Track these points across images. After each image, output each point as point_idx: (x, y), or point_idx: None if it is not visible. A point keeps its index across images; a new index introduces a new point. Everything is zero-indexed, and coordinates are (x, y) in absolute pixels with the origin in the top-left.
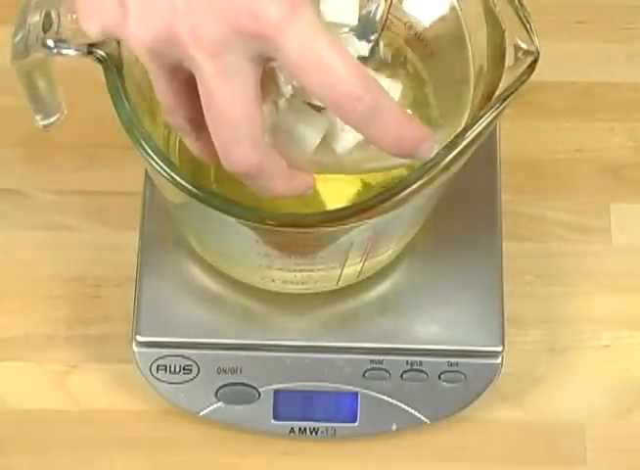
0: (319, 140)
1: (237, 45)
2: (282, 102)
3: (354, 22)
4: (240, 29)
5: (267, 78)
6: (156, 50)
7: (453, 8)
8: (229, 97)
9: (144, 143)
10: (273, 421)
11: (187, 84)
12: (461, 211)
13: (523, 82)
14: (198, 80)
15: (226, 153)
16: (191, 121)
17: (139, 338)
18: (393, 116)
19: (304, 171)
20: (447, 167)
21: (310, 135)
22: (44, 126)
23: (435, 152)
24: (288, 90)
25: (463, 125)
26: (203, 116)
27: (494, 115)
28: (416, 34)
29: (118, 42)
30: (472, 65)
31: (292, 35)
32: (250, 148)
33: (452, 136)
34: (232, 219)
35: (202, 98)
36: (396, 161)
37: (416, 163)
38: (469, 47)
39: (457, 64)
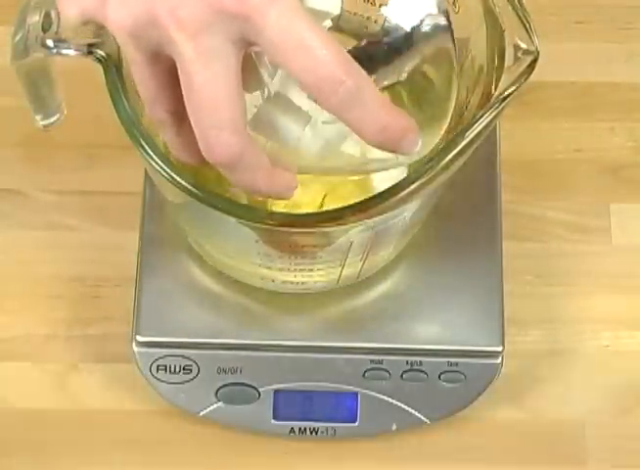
0: (301, 134)
1: (218, 27)
2: (266, 95)
3: (336, 11)
4: (221, 10)
5: (250, 68)
6: (136, 34)
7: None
8: (210, 80)
9: (144, 143)
10: (273, 421)
11: (169, 73)
12: (461, 211)
13: (522, 82)
14: (178, 66)
15: (207, 140)
16: (172, 114)
17: (139, 338)
18: (376, 102)
19: (287, 170)
20: (447, 167)
21: (292, 128)
22: (44, 126)
23: (418, 148)
24: (271, 81)
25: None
26: (184, 107)
27: (494, 114)
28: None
29: None
30: (455, 84)
31: (272, 17)
32: (230, 135)
33: (430, 144)
34: (232, 219)
35: (182, 84)
36: (380, 162)
37: (392, 164)
38: (454, 65)
39: (439, 77)
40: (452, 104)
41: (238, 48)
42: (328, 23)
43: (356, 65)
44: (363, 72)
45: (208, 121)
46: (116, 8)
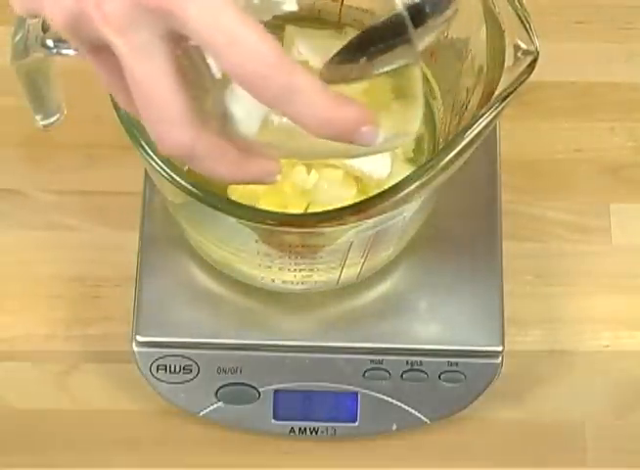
0: (258, 122)
1: (143, 22)
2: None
3: (294, 7)
4: (142, 5)
5: (197, 61)
6: (72, 28)
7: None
8: (146, 75)
9: (144, 143)
10: (273, 421)
11: (117, 66)
12: (461, 211)
13: (522, 82)
14: (118, 58)
15: (154, 134)
16: (131, 104)
17: (139, 338)
18: (315, 96)
19: (266, 157)
20: (447, 167)
21: (249, 117)
22: (44, 126)
23: (382, 138)
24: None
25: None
26: None
27: (494, 114)
28: None
29: None
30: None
31: (194, 11)
32: (176, 128)
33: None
34: (232, 219)
35: (125, 76)
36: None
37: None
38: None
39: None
40: (420, 85)
41: (169, 41)
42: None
43: (289, 58)
44: (298, 66)
45: (152, 116)
46: (51, 3)
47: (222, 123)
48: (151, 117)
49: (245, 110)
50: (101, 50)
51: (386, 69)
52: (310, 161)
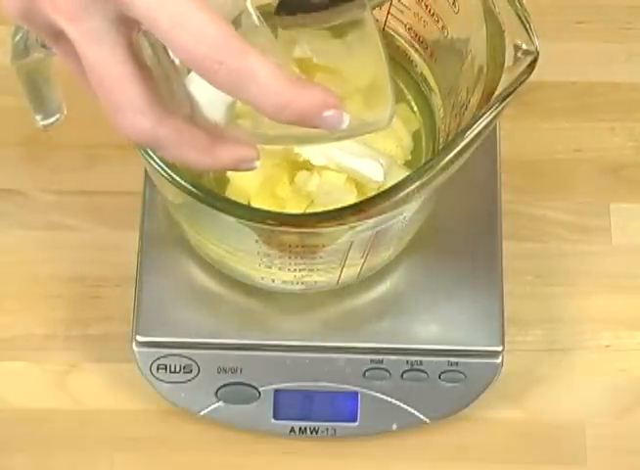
0: (222, 107)
1: (93, 7)
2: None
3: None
4: None
5: (156, 46)
6: (26, 17)
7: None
8: (97, 61)
9: None
10: (273, 421)
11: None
12: (461, 211)
13: (522, 82)
14: (73, 44)
15: (113, 121)
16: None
17: (139, 338)
18: (270, 79)
19: (240, 143)
20: (447, 167)
21: (212, 102)
22: (44, 126)
23: (346, 123)
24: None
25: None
26: None
27: (494, 114)
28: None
29: None
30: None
31: None
32: (135, 115)
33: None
34: (232, 219)
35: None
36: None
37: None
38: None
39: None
40: (385, 67)
41: (120, 26)
42: None
43: (241, 40)
44: (250, 48)
45: (108, 103)
46: None
47: (190, 110)
48: (108, 104)
49: (206, 95)
50: (59, 37)
51: (339, 18)
52: (278, 145)
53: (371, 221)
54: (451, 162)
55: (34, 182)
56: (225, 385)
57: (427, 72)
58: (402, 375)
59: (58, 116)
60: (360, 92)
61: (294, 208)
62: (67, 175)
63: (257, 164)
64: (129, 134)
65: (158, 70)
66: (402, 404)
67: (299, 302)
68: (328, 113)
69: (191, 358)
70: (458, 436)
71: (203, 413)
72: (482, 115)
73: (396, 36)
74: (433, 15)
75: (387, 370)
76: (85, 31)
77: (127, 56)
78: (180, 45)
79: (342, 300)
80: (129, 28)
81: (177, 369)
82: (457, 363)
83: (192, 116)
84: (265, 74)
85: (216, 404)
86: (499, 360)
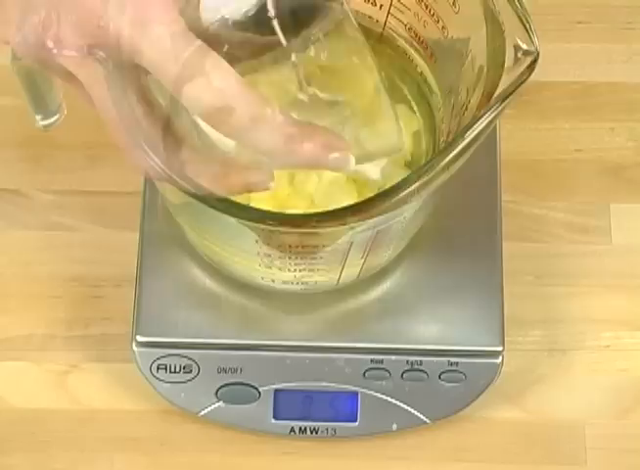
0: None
1: (104, 54)
2: None
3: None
4: (92, 39)
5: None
6: (37, 60)
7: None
8: (110, 105)
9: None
10: (273, 421)
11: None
12: (461, 211)
13: (522, 82)
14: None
15: (126, 156)
16: None
17: (139, 338)
18: (275, 126)
19: (251, 169)
20: (447, 167)
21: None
22: (44, 127)
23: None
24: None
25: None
26: None
27: (494, 115)
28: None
29: None
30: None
31: (145, 45)
32: (146, 153)
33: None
34: (232, 219)
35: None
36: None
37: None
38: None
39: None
40: (380, 86)
41: (130, 70)
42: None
43: (249, 89)
44: (256, 95)
45: (121, 141)
46: (16, 35)
47: (199, 140)
48: (120, 142)
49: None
50: (71, 77)
51: (321, 32)
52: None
53: (371, 221)
54: (451, 162)
55: (34, 182)
56: (225, 385)
57: (427, 73)
58: (402, 375)
59: (58, 116)
60: (360, 115)
61: (294, 208)
62: (67, 175)
63: (272, 185)
64: (142, 170)
65: (167, 105)
66: (402, 404)
67: (300, 302)
68: (333, 156)
69: (191, 358)
70: (458, 436)
71: (202, 413)
72: (483, 115)
73: (396, 36)
74: (433, 15)
75: (387, 370)
76: (92, 76)
77: (137, 98)
78: (188, 96)
79: (342, 300)
80: (137, 72)
81: (177, 369)
82: (457, 363)
83: (202, 145)
84: (270, 121)
85: (216, 404)
86: (499, 360)
